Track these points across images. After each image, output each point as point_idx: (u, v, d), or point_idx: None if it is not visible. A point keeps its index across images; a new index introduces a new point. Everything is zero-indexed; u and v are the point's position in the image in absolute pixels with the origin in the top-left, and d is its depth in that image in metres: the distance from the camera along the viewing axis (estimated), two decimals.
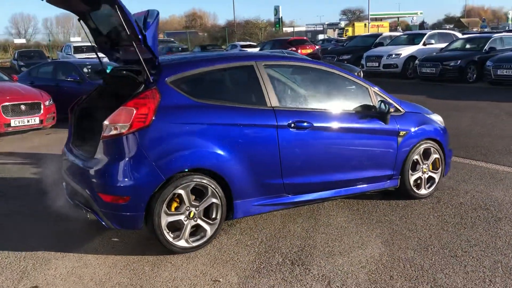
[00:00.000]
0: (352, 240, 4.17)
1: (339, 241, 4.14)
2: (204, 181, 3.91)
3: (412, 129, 5.05)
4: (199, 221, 3.98)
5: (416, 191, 5.18)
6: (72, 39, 45.94)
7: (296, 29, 65.31)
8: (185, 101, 3.93)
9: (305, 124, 4.33)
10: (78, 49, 25.57)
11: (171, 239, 3.87)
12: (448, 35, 19.13)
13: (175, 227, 3.91)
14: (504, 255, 3.80)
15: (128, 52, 4.40)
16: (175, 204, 3.90)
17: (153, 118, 3.77)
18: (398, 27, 70.34)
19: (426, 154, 5.20)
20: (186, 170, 3.85)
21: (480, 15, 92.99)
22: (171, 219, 3.86)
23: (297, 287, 3.39)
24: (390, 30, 55.85)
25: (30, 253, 4.05)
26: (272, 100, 4.27)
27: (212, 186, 3.95)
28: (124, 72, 4.14)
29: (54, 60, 16.06)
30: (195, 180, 3.88)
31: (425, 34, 18.36)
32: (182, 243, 3.92)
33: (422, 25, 69.46)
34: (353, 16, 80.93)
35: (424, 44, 17.86)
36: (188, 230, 3.94)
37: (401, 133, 4.97)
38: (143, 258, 3.90)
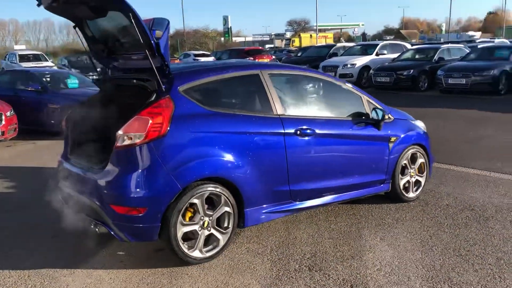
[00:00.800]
0: (359, 243, 4.26)
1: (347, 245, 4.23)
2: (218, 189, 3.89)
3: (401, 135, 5.25)
4: (213, 231, 3.94)
5: (406, 194, 5.38)
6: (16, 47, 43.95)
7: (242, 39, 65.91)
8: (197, 110, 3.90)
9: (309, 131, 4.41)
10: (24, 58, 24.51)
11: (186, 250, 3.80)
12: (398, 45, 19.99)
13: (188, 237, 3.85)
14: (503, 252, 4.02)
15: (131, 60, 4.32)
16: (189, 214, 3.84)
17: (168, 127, 3.71)
18: (341, 38, 72.60)
19: (413, 158, 5.42)
20: (201, 179, 3.81)
21: (417, 26, 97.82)
22: (186, 229, 3.80)
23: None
24: (334, 41, 57.56)
25: (34, 271, 3.85)
26: (278, 108, 4.32)
27: (225, 194, 3.93)
28: (135, 80, 4.04)
29: (12, 69, 15.28)
30: (209, 189, 3.85)
31: (378, 44, 19.09)
32: (196, 253, 3.87)
33: (364, 36, 72.13)
34: (299, 27, 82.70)
35: (377, 54, 18.55)
36: (202, 240, 3.89)
37: (392, 139, 5.15)
38: (156, 271, 3.81)
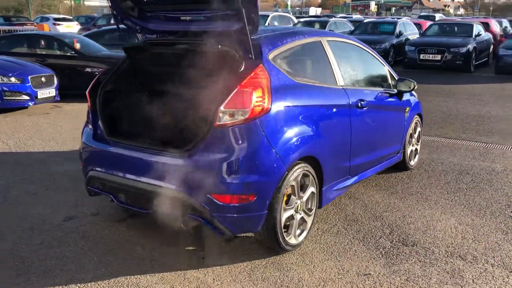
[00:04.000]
0: (420, 214, 4.30)
1: (411, 217, 4.23)
2: (307, 169, 3.56)
3: (412, 105, 5.40)
4: (302, 214, 3.61)
5: (410, 162, 5.58)
6: None
7: (94, 3, 61.06)
8: (286, 81, 3.48)
9: (364, 103, 4.27)
10: None
11: (286, 237, 3.43)
12: (286, 17, 20.40)
13: (284, 224, 3.47)
14: None
15: (181, 22, 3.66)
16: (284, 198, 3.45)
17: (271, 101, 3.24)
18: None
19: (415, 128, 5.62)
20: (300, 159, 3.44)
21: None
22: (286, 214, 3.42)
23: (438, 265, 3.39)
24: None
25: (111, 281, 3.13)
26: (339, 79, 4.09)
27: (312, 174, 3.62)
28: (219, 47, 3.40)
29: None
30: (305, 169, 3.50)
31: (269, 16, 19.20)
32: (292, 240, 3.53)
33: None
34: None
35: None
36: (296, 225, 3.54)
37: (407, 109, 5.27)
38: (255, 263, 3.38)
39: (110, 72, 3.88)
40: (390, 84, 4.97)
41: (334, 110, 3.89)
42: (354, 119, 4.12)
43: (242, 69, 3.27)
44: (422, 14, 38.34)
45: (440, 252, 3.58)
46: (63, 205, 4.42)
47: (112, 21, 20.75)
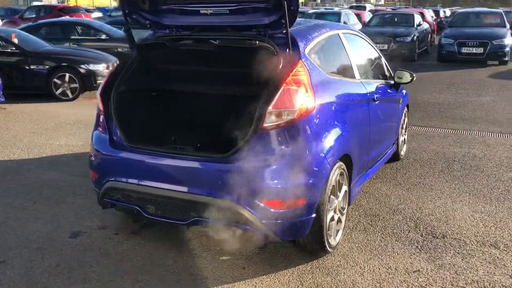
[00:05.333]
0: (433, 205, 4.34)
1: (426, 209, 4.26)
2: (343, 167, 3.46)
3: (403, 96, 5.47)
4: (339, 214, 3.51)
5: (401, 152, 5.66)
6: None
7: None
8: (321, 76, 3.34)
9: (377, 96, 4.23)
10: None
11: (329, 239, 3.31)
12: None
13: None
14: None
15: (202, 15, 3.40)
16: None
17: (315, 99, 3.09)
18: None
19: (404, 118, 5.71)
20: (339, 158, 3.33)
21: None
22: (329, 216, 3.30)
23: (477, 256, 3.42)
24: None
25: None
26: (356, 72, 4.02)
27: (345, 172, 3.52)
28: (257, 42, 3.16)
29: None
30: (341, 168, 3.39)
31: None
32: (332, 241, 3.42)
33: None
34: None
35: None
36: (335, 226, 3.43)
37: (400, 100, 5.32)
38: (304, 268, 3.23)
39: (120, 72, 3.53)
40: (387, 75, 4.97)
41: (359, 104, 3.82)
42: (371, 112, 4.07)
43: (281, 65, 3.08)
44: (353, 4, 39.46)
45: (472, 242, 3.62)
46: (62, 220, 4.01)
47: (42, 13, 19.50)
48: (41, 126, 7.26)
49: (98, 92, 3.46)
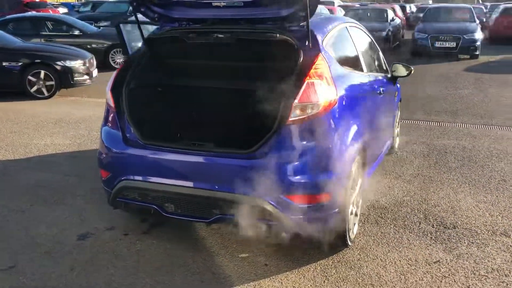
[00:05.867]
0: (437, 196, 4.40)
1: (431, 200, 4.32)
2: (360, 161, 3.45)
3: (398, 89, 5.53)
4: (355, 207, 3.51)
5: (395, 145, 5.73)
6: None
7: None
8: (339, 69, 3.33)
9: (382, 89, 4.25)
10: None
11: (350, 233, 3.31)
12: None
13: None
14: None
15: (213, 8, 3.32)
16: None
17: (336, 92, 3.07)
18: None
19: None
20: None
21: None
22: (349, 210, 3.29)
23: (492, 245, 3.48)
24: None
25: None
26: (363, 65, 4.03)
27: (361, 166, 3.52)
28: (278, 36, 3.09)
29: None
30: (359, 161, 3.38)
31: None
32: (351, 235, 3.41)
33: None
34: None
35: None
36: (353, 220, 3.43)
37: (396, 93, 5.38)
38: (325, 262, 3.21)
39: (129, 67, 3.40)
40: (384, 68, 4.99)
41: (369, 98, 3.83)
42: (378, 105, 4.09)
43: (301, 59, 3.03)
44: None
45: (483, 232, 3.69)
46: (66, 222, 3.86)
47: (6, 8, 18.77)
48: (21, 126, 6.98)
49: (108, 88, 3.33)
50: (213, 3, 3.34)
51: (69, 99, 9.27)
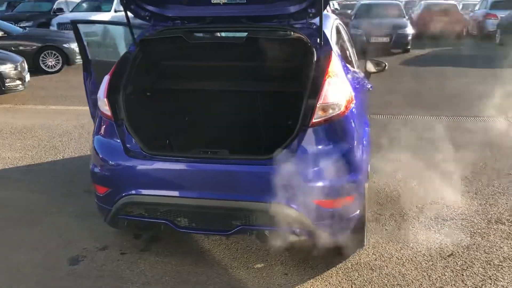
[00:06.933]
0: (423, 188, 4.46)
1: (419, 193, 4.37)
2: None
3: (371, 85, 5.57)
4: None
5: None
6: None
7: None
8: (347, 68, 3.25)
9: (370, 86, 4.26)
10: None
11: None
12: None
13: None
14: None
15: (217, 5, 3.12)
16: None
17: (351, 90, 2.99)
18: None
19: None
20: None
21: None
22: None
23: (492, 234, 3.57)
24: None
25: None
26: (354, 62, 4.00)
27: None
28: (292, 34, 2.92)
29: None
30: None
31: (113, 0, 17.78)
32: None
33: None
34: None
35: (115, 11, 17.39)
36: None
37: (369, 89, 5.42)
38: (344, 266, 3.13)
39: (123, 71, 3.09)
40: (358, 64, 5.00)
41: (365, 95, 3.79)
42: (367, 102, 4.07)
43: (315, 57, 2.91)
44: None
45: (480, 221, 3.76)
46: (48, 244, 3.48)
47: None
48: None
49: (103, 95, 3.01)
50: (212, 0, 3.13)
51: (2, 106, 8.51)
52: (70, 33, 15.03)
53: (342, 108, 2.81)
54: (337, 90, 2.81)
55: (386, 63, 5.04)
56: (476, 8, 20.05)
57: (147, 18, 3.25)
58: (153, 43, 3.18)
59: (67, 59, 11.95)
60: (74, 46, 11.52)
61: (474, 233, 3.58)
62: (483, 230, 3.62)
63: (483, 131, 6.40)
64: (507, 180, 4.60)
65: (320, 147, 2.76)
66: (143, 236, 3.53)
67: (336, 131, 2.80)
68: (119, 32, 5.10)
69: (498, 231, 3.61)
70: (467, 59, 12.77)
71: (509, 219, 3.79)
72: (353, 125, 2.88)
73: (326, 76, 2.81)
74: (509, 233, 3.58)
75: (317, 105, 2.72)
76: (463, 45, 16.48)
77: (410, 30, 14.38)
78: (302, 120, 2.73)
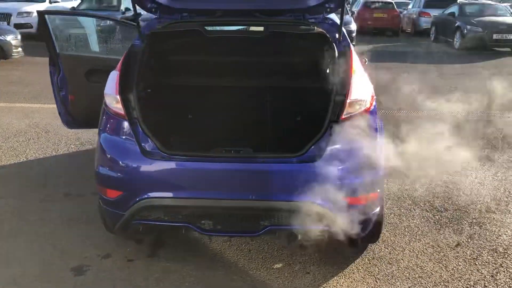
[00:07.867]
0: (409, 180, 4.57)
1: (409, 185, 4.48)
2: None
3: None
4: None
5: None
6: None
7: None
8: (359, 64, 3.23)
9: None
10: None
11: None
12: None
13: None
14: None
15: None
16: None
17: (372, 85, 2.98)
18: None
19: None
20: None
21: None
22: None
23: (492, 223, 3.70)
24: None
25: None
26: None
27: None
28: (315, 29, 2.84)
29: None
30: None
31: None
32: None
33: None
34: None
35: (50, 2, 16.42)
36: None
37: None
38: (362, 261, 3.13)
39: (130, 68, 2.88)
40: None
41: None
42: None
43: (336, 53, 2.88)
44: None
45: (473, 211, 3.90)
46: (44, 256, 3.19)
47: None
48: None
49: (112, 91, 2.78)
50: None
51: None
52: (5, 24, 14.08)
53: (368, 104, 2.80)
54: (363, 87, 2.80)
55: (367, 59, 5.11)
56: (410, 6, 20.97)
57: (153, 10, 3.05)
58: (164, 36, 2.99)
59: (2, 53, 11.10)
60: (11, 38, 10.77)
61: (472, 223, 3.71)
62: (478, 220, 3.76)
63: None
64: None
65: (348, 143, 2.73)
66: (146, 241, 3.34)
67: (363, 127, 2.78)
68: (89, 24, 4.78)
69: (492, 220, 3.77)
70: (411, 55, 13.30)
71: (498, 208, 3.97)
72: (377, 120, 2.88)
73: (352, 72, 2.79)
74: (503, 221, 3.74)
75: (347, 102, 2.69)
76: (402, 41, 17.24)
77: (354, 27, 14.77)
78: (330, 117, 2.69)
